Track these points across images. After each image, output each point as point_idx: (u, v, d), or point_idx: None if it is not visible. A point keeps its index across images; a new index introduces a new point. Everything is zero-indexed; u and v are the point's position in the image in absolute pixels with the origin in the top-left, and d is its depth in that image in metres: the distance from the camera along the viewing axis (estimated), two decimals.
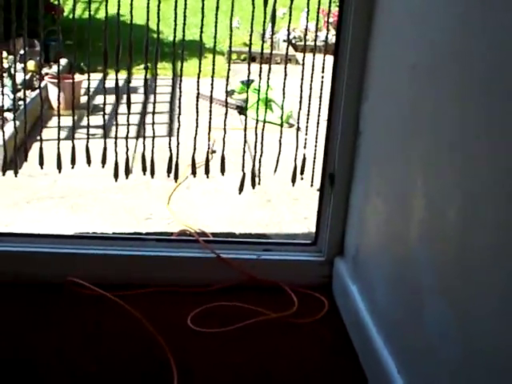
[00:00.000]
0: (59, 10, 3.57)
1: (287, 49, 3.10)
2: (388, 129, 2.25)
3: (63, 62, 6.65)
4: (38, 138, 2.87)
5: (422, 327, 1.86)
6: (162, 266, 2.74)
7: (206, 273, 2.73)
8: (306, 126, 2.90)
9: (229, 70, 2.81)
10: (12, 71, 5.33)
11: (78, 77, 5.73)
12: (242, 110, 6.16)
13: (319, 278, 2.77)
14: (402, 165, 2.07)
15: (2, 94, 2.95)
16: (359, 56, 2.46)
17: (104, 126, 3.03)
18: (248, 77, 2.76)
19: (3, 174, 2.92)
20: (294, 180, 2.97)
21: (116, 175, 2.86)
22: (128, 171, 2.88)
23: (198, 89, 2.78)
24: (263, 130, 2.88)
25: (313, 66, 2.76)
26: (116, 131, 2.84)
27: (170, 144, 2.82)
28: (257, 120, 2.95)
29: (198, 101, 2.77)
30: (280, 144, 2.91)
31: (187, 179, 4.20)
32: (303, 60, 2.73)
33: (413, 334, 1.94)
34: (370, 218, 2.42)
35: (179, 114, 2.74)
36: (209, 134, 2.86)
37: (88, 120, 2.98)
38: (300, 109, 2.91)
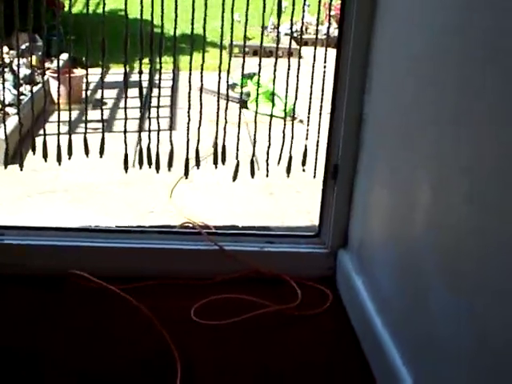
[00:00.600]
0: (59, 5, 3.56)
1: (290, 42, 3.10)
2: (392, 119, 2.25)
3: (64, 56, 6.65)
4: (41, 132, 2.87)
5: (428, 318, 1.86)
6: (165, 259, 2.74)
7: (209, 265, 2.73)
8: (308, 118, 2.90)
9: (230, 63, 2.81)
10: (14, 66, 5.33)
11: (80, 71, 5.73)
12: (244, 103, 6.15)
13: (323, 269, 2.76)
14: (407, 155, 2.07)
15: (3, 89, 2.94)
16: (362, 47, 2.46)
17: (102, 120, 3.03)
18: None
19: (5, 168, 2.91)
20: (288, 171, 2.97)
21: (126, 167, 2.88)
22: (127, 165, 2.89)
23: (201, 81, 2.78)
24: (270, 123, 2.88)
25: (314, 57, 2.76)
26: (125, 124, 2.84)
27: (170, 138, 2.83)
28: (255, 112, 2.95)
29: (201, 94, 2.76)
30: (284, 136, 2.91)
31: (189, 173, 4.19)
32: (300, 52, 2.73)
33: (418, 325, 1.94)
34: (374, 209, 2.42)
35: (189, 107, 2.73)
36: (217, 124, 2.87)
37: (86, 114, 2.98)
38: (296, 99, 2.90)
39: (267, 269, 2.72)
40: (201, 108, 2.74)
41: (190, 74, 2.77)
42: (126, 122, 2.85)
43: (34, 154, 2.94)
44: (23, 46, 6.59)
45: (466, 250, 1.65)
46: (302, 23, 3.05)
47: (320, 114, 2.82)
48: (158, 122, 2.88)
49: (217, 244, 2.74)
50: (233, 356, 2.29)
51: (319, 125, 2.84)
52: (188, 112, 2.73)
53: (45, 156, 2.88)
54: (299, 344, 2.39)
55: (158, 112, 2.91)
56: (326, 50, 2.71)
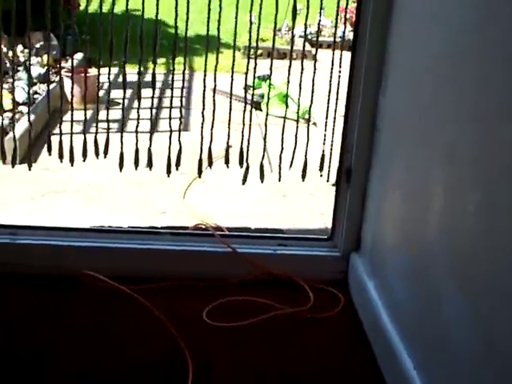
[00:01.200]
0: (74, 5, 3.57)
1: (304, 44, 3.10)
2: (407, 123, 2.24)
3: (79, 56, 6.66)
4: (55, 131, 2.88)
5: (441, 322, 1.86)
6: (178, 260, 2.74)
7: (221, 267, 2.73)
8: (326, 122, 2.89)
9: (250, 65, 2.81)
10: (27, 65, 5.35)
11: (94, 71, 5.73)
12: (258, 105, 6.15)
13: (335, 273, 2.76)
14: (421, 159, 2.06)
15: (14, 88, 2.95)
16: (377, 50, 2.45)
17: (107, 120, 3.03)
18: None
19: (12, 166, 2.92)
20: (304, 175, 2.97)
21: (136, 164, 2.90)
22: (137, 163, 2.89)
23: (214, 82, 2.78)
24: (284, 125, 2.88)
25: (332, 61, 2.76)
26: (137, 125, 2.85)
27: (179, 138, 2.84)
28: (267, 114, 2.94)
29: (214, 95, 2.76)
30: (296, 139, 2.90)
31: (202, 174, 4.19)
32: (314, 54, 2.73)
33: (431, 329, 1.93)
34: (388, 213, 2.41)
35: (203, 108, 2.74)
36: (229, 125, 2.87)
37: (97, 114, 2.98)
38: (312, 102, 2.90)
39: (279, 271, 2.72)
40: (214, 109, 2.74)
41: (205, 74, 2.77)
42: (138, 123, 2.85)
43: (49, 154, 2.95)
44: (38, 45, 6.62)
45: (479, 254, 1.64)
46: (319, 25, 3.05)
47: (334, 117, 2.81)
48: (170, 124, 2.89)
49: (229, 246, 2.73)
50: (246, 358, 2.29)
51: (333, 128, 2.83)
52: (202, 113, 2.74)
53: (60, 156, 2.89)
54: (311, 347, 2.38)
55: (170, 113, 2.92)
56: (342, 53, 2.70)
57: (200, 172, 2.98)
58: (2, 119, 2.97)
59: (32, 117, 4.21)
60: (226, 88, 2.90)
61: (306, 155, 2.95)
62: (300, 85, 2.81)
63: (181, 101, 3.09)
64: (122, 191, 4.24)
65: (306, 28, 3.42)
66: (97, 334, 2.37)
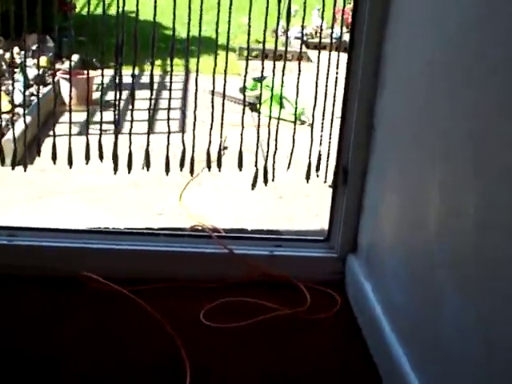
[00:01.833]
0: (70, 7, 3.58)
1: (301, 46, 3.11)
2: (403, 124, 2.25)
3: (75, 57, 6.66)
4: (51, 133, 2.88)
5: (438, 323, 1.86)
6: (175, 262, 2.74)
7: (218, 268, 2.73)
8: (322, 124, 2.90)
9: (247, 66, 2.82)
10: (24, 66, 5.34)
11: (91, 73, 5.73)
12: (254, 106, 6.15)
13: (332, 274, 2.76)
14: (418, 160, 2.07)
15: (13, 90, 2.95)
16: (374, 52, 2.46)
17: (101, 122, 3.04)
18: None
19: (12, 169, 2.92)
20: (308, 177, 2.97)
21: (130, 167, 2.90)
22: (131, 166, 2.90)
23: (213, 84, 2.79)
24: (278, 126, 2.88)
25: (329, 63, 2.77)
26: (130, 127, 2.86)
27: (183, 139, 2.84)
28: (270, 117, 2.95)
29: (213, 96, 2.77)
30: (293, 141, 2.91)
31: (199, 176, 4.20)
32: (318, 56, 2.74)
33: (428, 330, 1.94)
34: (385, 214, 2.42)
35: (195, 109, 2.75)
36: (221, 129, 2.87)
37: (88, 117, 2.99)
38: (315, 105, 2.91)
39: (276, 273, 2.72)
40: (212, 111, 2.75)
41: (197, 75, 2.78)
42: (131, 125, 2.86)
43: (39, 156, 2.96)
44: (34, 47, 6.62)
45: (477, 255, 1.65)
46: (321, 27, 3.05)
47: (332, 118, 2.82)
48: (169, 125, 2.90)
49: (226, 247, 2.74)
50: (242, 359, 2.29)
51: (330, 129, 2.84)
52: (194, 112, 2.75)
53: (54, 158, 2.89)
54: (308, 348, 2.39)
55: (168, 114, 2.93)
56: (339, 55, 2.72)
57: (192, 171, 2.99)
58: (1, 121, 2.98)
59: (28, 118, 4.22)
60: (221, 89, 2.91)
61: (310, 157, 2.96)
62: (297, 86, 2.82)
63: (184, 103, 3.09)
64: (120, 193, 4.24)
65: (302, 29, 3.44)
66: (95, 336, 2.37)
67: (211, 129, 2.77)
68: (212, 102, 2.74)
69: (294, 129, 2.92)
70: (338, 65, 2.70)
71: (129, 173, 2.92)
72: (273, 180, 2.97)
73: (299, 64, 2.80)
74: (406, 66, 2.23)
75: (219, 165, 2.94)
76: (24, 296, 2.57)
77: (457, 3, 1.84)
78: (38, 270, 2.63)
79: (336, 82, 2.75)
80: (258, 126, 2.91)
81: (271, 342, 2.40)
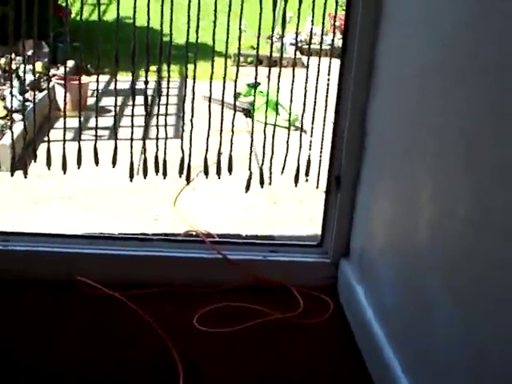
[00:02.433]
0: (66, 12, 3.59)
1: (295, 52, 3.13)
2: (396, 130, 2.26)
3: (70, 63, 6.66)
4: (46, 138, 2.90)
5: (429, 328, 1.87)
6: (169, 267, 2.75)
7: (212, 273, 2.74)
8: (312, 128, 2.92)
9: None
10: (20, 72, 5.35)
11: (84, 78, 5.74)
12: (248, 112, 6.16)
13: (325, 279, 2.77)
14: (410, 166, 2.08)
15: (12, 95, 2.97)
16: (366, 57, 2.47)
17: (96, 127, 3.05)
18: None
19: (12, 175, 2.94)
20: (296, 181, 2.98)
21: (131, 175, 2.91)
22: (132, 173, 2.92)
23: (210, 91, 2.80)
24: (274, 132, 2.90)
25: (318, 68, 2.78)
26: (131, 132, 2.87)
27: (182, 145, 2.86)
28: (265, 123, 2.96)
29: (210, 103, 2.79)
30: (287, 146, 2.92)
31: (193, 181, 4.20)
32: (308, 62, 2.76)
33: (419, 334, 1.95)
34: (377, 219, 2.43)
35: (192, 116, 2.76)
36: (220, 134, 2.89)
37: (80, 122, 3.00)
38: (304, 111, 2.92)
39: (270, 278, 2.73)
40: (209, 117, 2.77)
41: (194, 82, 2.79)
42: (132, 130, 2.87)
43: (35, 161, 2.96)
44: (29, 53, 6.62)
45: (469, 258, 1.66)
46: (311, 33, 3.07)
47: (324, 124, 2.84)
48: (166, 130, 2.91)
49: (220, 253, 2.75)
50: (235, 364, 2.30)
51: (323, 135, 2.85)
52: (191, 120, 2.76)
53: (48, 164, 2.90)
54: (300, 352, 2.40)
55: (165, 120, 2.94)
56: (331, 60, 2.73)
57: (188, 179, 3.01)
58: None
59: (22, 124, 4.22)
60: (216, 95, 2.92)
61: (298, 160, 2.97)
62: (291, 92, 2.84)
63: (183, 109, 3.09)
64: (114, 198, 4.25)
65: (297, 35, 3.45)
66: (88, 340, 2.37)
67: (208, 136, 2.79)
68: (209, 109, 2.75)
69: (288, 134, 2.94)
70: (329, 70, 2.71)
71: (131, 181, 2.94)
72: (270, 184, 2.98)
73: (293, 70, 2.81)
74: (399, 67, 2.24)
75: (218, 172, 2.95)
76: (19, 301, 2.58)
77: (450, 3, 1.85)
78: (33, 274, 2.64)
79: (328, 88, 2.76)
80: (252, 130, 2.93)
81: (264, 347, 2.41)
